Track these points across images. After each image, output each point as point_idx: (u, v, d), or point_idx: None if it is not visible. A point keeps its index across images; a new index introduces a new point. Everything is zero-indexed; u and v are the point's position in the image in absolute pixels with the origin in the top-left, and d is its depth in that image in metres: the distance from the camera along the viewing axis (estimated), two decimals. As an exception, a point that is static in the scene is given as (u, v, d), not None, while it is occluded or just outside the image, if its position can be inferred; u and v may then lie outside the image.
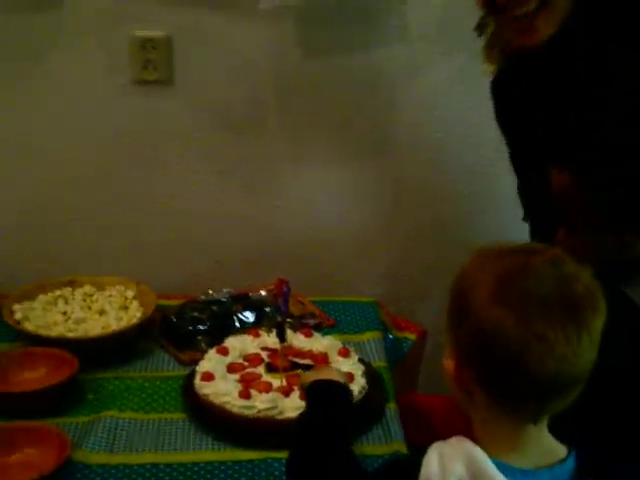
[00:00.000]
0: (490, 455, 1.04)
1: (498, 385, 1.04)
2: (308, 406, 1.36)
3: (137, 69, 2.03)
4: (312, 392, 1.37)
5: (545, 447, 1.08)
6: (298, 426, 1.33)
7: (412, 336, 1.97)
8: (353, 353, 1.68)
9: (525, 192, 1.56)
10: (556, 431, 1.10)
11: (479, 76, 1.57)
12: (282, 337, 1.57)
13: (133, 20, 1.98)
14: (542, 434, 1.08)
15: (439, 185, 2.15)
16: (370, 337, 1.85)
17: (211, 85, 2.05)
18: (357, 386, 1.56)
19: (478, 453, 1.04)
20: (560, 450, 1.09)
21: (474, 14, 1.48)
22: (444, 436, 1.09)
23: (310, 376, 1.43)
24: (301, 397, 1.48)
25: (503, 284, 1.03)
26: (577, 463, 1.08)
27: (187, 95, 2.05)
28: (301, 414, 1.37)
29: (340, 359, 1.65)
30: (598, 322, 1.03)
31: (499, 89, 1.54)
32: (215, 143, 2.09)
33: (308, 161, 2.11)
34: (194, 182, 2.11)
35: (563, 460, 1.07)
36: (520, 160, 1.54)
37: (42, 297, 1.84)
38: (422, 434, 1.49)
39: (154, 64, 2.03)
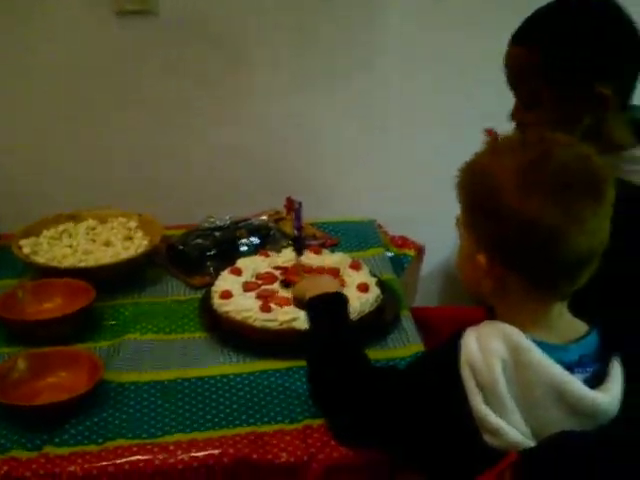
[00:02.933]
0: (525, 333, 1.08)
1: (535, 270, 1.08)
2: (312, 326, 1.38)
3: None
4: (312, 311, 1.39)
5: (569, 324, 1.14)
6: (309, 348, 1.36)
7: (411, 252, 2.01)
8: (364, 265, 1.72)
9: None
10: (574, 308, 1.15)
11: None
12: (300, 250, 1.60)
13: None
14: (565, 312, 1.14)
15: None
16: (374, 253, 1.90)
17: (198, 14, 2.03)
18: (373, 295, 1.60)
19: (514, 330, 1.08)
20: (581, 326, 1.14)
21: None
22: None
23: (302, 286, 1.46)
24: (296, 306, 1.50)
25: (530, 175, 1.06)
26: (599, 337, 1.13)
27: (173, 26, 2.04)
28: (308, 335, 1.39)
29: (352, 272, 1.69)
30: (611, 192, 1.08)
31: None
32: (205, 74, 2.08)
33: (298, 86, 2.11)
34: (183, 115, 2.11)
35: (586, 335, 1.13)
36: None
37: (46, 232, 1.85)
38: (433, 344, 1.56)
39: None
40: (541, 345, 1.07)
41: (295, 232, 1.63)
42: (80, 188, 2.10)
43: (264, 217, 1.98)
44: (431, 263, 2.21)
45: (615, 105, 1.37)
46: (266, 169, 2.18)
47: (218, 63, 2.08)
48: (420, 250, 2.03)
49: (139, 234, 1.87)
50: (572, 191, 1.05)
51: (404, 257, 2.01)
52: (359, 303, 1.56)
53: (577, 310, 1.16)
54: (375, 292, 1.62)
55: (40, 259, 1.74)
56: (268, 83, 2.11)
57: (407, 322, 1.62)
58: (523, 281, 1.10)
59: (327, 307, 1.39)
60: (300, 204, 1.63)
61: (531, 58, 1.37)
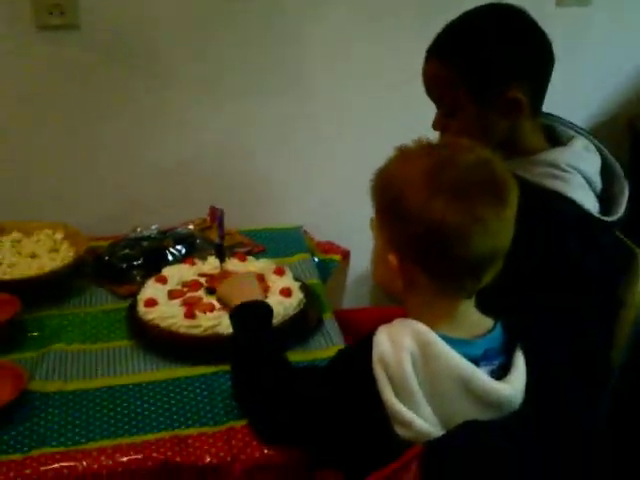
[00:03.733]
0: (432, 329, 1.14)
1: (442, 268, 1.14)
2: (236, 333, 1.44)
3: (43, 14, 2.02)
4: (236, 319, 1.46)
5: (475, 320, 1.19)
6: (233, 354, 1.41)
7: (337, 257, 2.06)
8: (288, 271, 1.76)
9: None
10: (481, 305, 1.21)
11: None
12: (222, 257, 1.64)
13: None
14: (471, 309, 1.19)
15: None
16: (299, 259, 1.94)
17: (119, 28, 2.05)
18: (295, 299, 1.64)
19: (422, 327, 1.13)
20: (487, 322, 1.20)
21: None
22: None
23: (226, 291, 1.54)
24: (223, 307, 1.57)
25: (434, 178, 1.12)
26: (503, 331, 1.19)
27: (94, 39, 2.05)
28: (232, 342, 1.45)
29: (276, 277, 1.72)
30: (514, 196, 1.14)
31: None
32: (124, 88, 2.10)
33: (223, 96, 2.15)
34: (108, 128, 2.12)
35: (491, 330, 1.18)
36: None
37: (-30, 246, 1.84)
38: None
39: (60, 8, 2.03)
40: (447, 340, 1.12)
41: (218, 240, 1.65)
42: (2, 202, 2.09)
43: (190, 226, 2.01)
44: (362, 266, 2.25)
45: (528, 110, 1.44)
46: (195, 179, 2.21)
47: (144, 77, 2.10)
48: (346, 255, 2.08)
49: (65, 246, 1.88)
50: (474, 193, 1.11)
51: (330, 262, 2.06)
52: (282, 307, 1.60)
53: (484, 306, 1.21)
54: (298, 296, 1.66)
55: (-37, 273, 1.74)
56: (197, 99, 2.14)
57: (330, 325, 1.66)
58: (430, 280, 1.15)
59: (250, 315, 1.45)
60: (222, 212, 1.66)
61: (448, 68, 1.44)
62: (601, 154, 1.51)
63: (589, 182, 1.45)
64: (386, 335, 1.15)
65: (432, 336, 1.12)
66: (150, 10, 2.04)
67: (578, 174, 1.43)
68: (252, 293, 1.51)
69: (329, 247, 2.08)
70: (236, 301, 1.48)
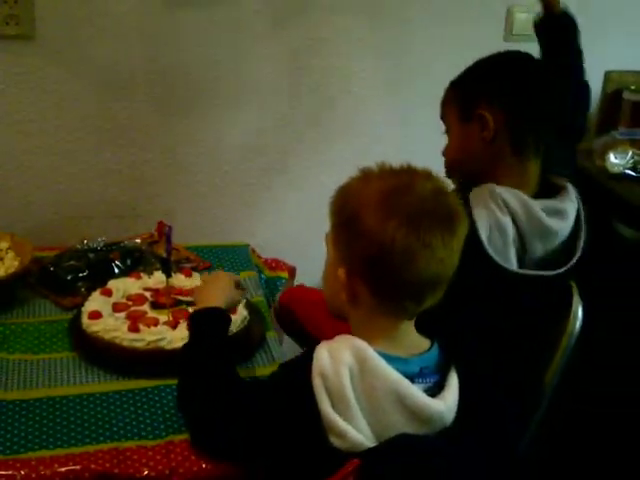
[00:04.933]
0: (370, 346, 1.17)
1: (386, 289, 1.18)
2: (190, 338, 1.47)
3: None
4: (192, 322, 1.48)
5: (414, 340, 1.24)
6: (182, 354, 1.44)
7: (284, 274, 2.08)
8: (232, 287, 1.78)
9: None
10: (420, 327, 1.25)
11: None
12: (168, 272, 1.65)
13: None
14: (410, 329, 1.24)
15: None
16: (246, 276, 1.96)
17: (74, 40, 2.06)
18: (240, 316, 1.66)
19: (361, 343, 1.17)
20: (424, 342, 1.24)
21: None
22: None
23: (198, 289, 1.60)
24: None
25: (391, 200, 1.16)
26: (439, 351, 1.24)
27: (49, 50, 2.06)
28: (184, 344, 1.47)
29: (221, 294, 1.74)
30: (463, 228, 1.19)
31: None
32: (81, 100, 2.11)
33: (174, 113, 2.17)
34: (62, 140, 2.12)
35: (428, 349, 1.23)
36: None
37: None
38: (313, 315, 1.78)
39: (16, 19, 2.03)
40: (385, 357, 1.16)
41: (165, 254, 1.67)
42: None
43: (138, 240, 2.02)
44: (308, 282, 2.29)
45: (506, 143, 1.52)
46: (145, 194, 2.22)
47: (97, 90, 2.11)
48: (292, 271, 2.11)
49: (10, 255, 1.87)
50: (426, 221, 1.15)
51: (278, 279, 2.08)
52: (226, 324, 1.62)
53: (421, 326, 1.26)
54: (243, 314, 1.68)
55: None
56: (149, 107, 2.16)
57: (272, 341, 1.69)
58: (373, 298, 1.19)
59: (206, 322, 1.47)
60: (170, 228, 1.68)
61: (451, 92, 1.60)
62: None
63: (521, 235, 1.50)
64: (326, 350, 1.18)
65: (370, 352, 1.15)
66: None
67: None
68: (217, 299, 1.53)
69: (276, 264, 2.10)
70: (199, 304, 1.51)
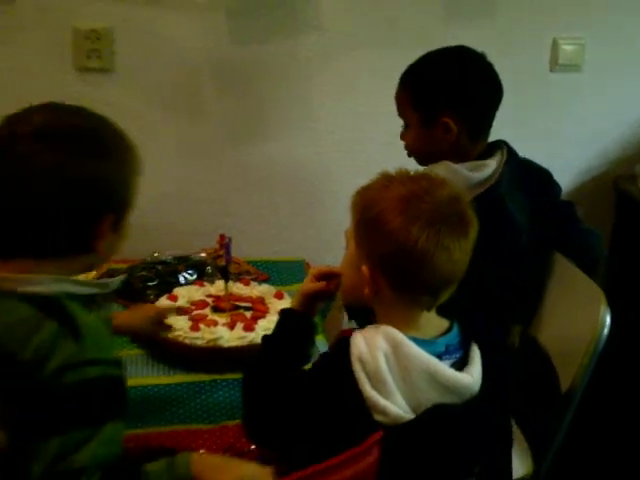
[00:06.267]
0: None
1: (405, 285, 1.31)
2: (276, 330, 1.51)
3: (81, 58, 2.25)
4: (280, 319, 1.54)
5: (435, 323, 1.36)
6: (264, 342, 1.51)
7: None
8: (287, 295, 1.94)
9: None
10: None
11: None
12: (226, 278, 1.83)
13: (77, 14, 2.21)
14: (432, 315, 1.36)
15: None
16: (299, 287, 2.11)
17: (150, 72, 2.28)
18: (293, 320, 1.81)
19: (393, 330, 1.30)
20: (444, 323, 1.37)
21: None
22: None
23: None
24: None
25: (412, 205, 1.28)
26: (460, 330, 1.36)
27: (128, 81, 2.28)
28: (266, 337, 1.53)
29: (275, 300, 1.91)
30: (474, 232, 1.32)
31: None
32: (154, 125, 2.32)
33: (241, 138, 2.37)
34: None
35: (449, 329, 1.35)
36: None
37: None
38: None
39: (98, 53, 2.26)
40: (414, 340, 1.29)
41: (224, 263, 1.84)
42: None
43: (203, 254, 2.20)
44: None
45: (464, 136, 1.78)
46: (212, 211, 2.42)
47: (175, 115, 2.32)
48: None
49: (88, 265, 2.06)
50: (444, 225, 1.28)
51: (329, 291, 2.23)
52: (280, 326, 1.77)
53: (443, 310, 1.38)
54: (296, 318, 1.83)
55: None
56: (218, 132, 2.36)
57: (321, 344, 1.83)
58: (393, 292, 1.32)
59: (293, 322, 1.52)
60: (230, 239, 1.85)
61: (404, 92, 1.83)
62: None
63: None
64: (362, 338, 1.31)
65: (401, 337, 1.28)
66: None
67: None
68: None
69: (328, 278, 2.25)
70: None
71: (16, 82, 2.25)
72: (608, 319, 1.67)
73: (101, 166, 1.20)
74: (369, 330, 1.33)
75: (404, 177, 1.34)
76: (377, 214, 1.31)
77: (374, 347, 1.28)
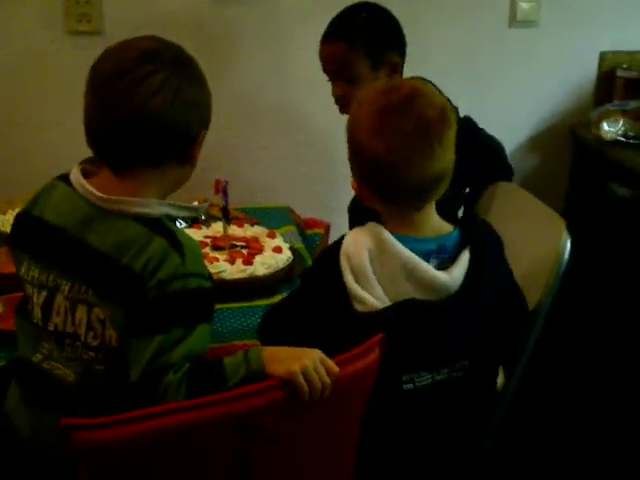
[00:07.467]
0: (391, 231, 1.43)
1: (387, 194, 1.45)
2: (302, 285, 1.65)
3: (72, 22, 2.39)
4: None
5: (434, 225, 1.47)
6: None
7: (320, 230, 2.41)
8: (278, 235, 2.11)
9: None
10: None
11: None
12: (227, 219, 1.99)
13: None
14: (428, 217, 1.46)
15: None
16: (287, 230, 2.29)
17: (139, 34, 2.40)
18: (285, 256, 1.99)
19: (380, 229, 1.44)
20: (446, 226, 1.48)
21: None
22: None
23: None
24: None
25: (376, 120, 1.40)
26: (461, 235, 1.47)
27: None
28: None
29: (268, 239, 2.08)
30: (450, 136, 1.40)
31: None
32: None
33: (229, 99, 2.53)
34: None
35: (450, 232, 1.47)
36: None
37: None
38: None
39: (88, 17, 2.40)
40: (400, 238, 1.42)
41: (223, 203, 2.01)
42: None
43: (195, 203, 2.35)
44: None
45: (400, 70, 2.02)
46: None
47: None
48: (327, 227, 2.43)
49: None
50: (406, 136, 1.37)
51: (315, 235, 2.40)
52: (274, 261, 1.95)
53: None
54: (287, 253, 2.01)
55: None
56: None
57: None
58: (381, 201, 1.47)
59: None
60: (227, 182, 2.01)
61: (349, 46, 1.97)
62: None
63: None
64: (352, 236, 1.47)
65: (386, 235, 1.42)
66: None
67: None
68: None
69: (313, 223, 2.43)
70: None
71: (9, 46, 2.38)
72: (569, 244, 1.83)
73: (202, 90, 1.42)
74: (361, 229, 1.47)
75: (376, 93, 1.44)
76: (350, 133, 1.46)
77: (360, 244, 1.43)
